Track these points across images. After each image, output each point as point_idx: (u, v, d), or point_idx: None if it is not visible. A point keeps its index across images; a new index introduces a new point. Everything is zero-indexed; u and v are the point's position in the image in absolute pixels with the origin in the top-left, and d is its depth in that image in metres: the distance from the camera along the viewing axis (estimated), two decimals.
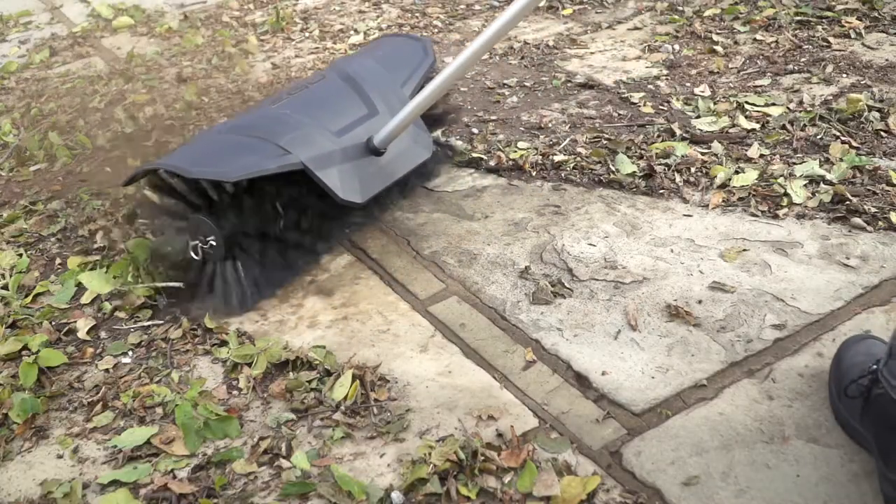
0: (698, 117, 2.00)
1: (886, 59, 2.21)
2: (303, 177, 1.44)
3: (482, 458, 1.08)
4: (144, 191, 1.53)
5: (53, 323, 1.47)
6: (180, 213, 1.47)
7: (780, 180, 1.66)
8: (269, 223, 1.49)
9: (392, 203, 1.73)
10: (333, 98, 1.60)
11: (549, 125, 2.04)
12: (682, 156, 1.80)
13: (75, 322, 1.46)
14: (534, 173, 1.81)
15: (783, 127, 1.90)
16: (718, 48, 2.40)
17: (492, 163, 1.87)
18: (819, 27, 2.48)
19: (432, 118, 1.78)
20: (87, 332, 1.43)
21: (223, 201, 1.45)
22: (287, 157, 1.41)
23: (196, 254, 1.45)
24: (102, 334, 1.44)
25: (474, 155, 1.91)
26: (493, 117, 2.12)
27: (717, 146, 1.83)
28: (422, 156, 1.62)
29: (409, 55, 1.71)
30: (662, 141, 1.89)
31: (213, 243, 1.42)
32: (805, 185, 1.65)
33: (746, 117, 1.96)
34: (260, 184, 1.46)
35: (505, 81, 2.34)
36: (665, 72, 2.29)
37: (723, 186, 1.69)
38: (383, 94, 1.60)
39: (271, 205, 1.49)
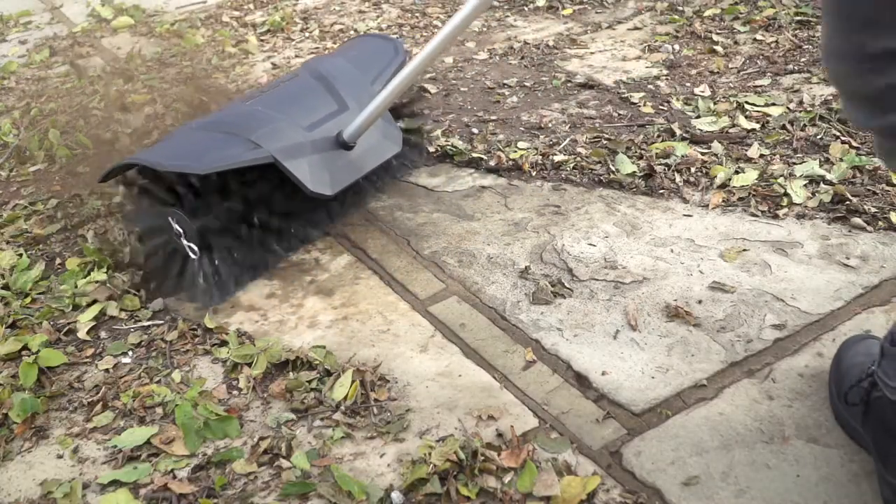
0: (698, 117, 2.00)
1: None
2: (275, 171, 1.48)
3: (482, 458, 1.08)
4: (120, 187, 1.58)
5: (53, 323, 1.47)
6: (155, 208, 1.51)
7: (780, 180, 1.66)
8: (242, 218, 1.53)
9: (372, 197, 1.78)
10: (304, 95, 1.65)
11: (549, 125, 2.04)
12: (682, 156, 1.80)
13: (75, 322, 1.46)
14: (534, 173, 1.81)
15: (783, 127, 1.90)
16: (718, 48, 2.40)
17: (492, 163, 1.87)
18: (819, 27, 2.48)
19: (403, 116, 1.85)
20: (87, 332, 1.43)
21: (195, 196, 1.48)
22: (258, 151, 1.46)
23: (175, 247, 1.50)
24: (102, 334, 1.44)
25: (474, 155, 1.91)
26: (493, 117, 2.12)
27: (717, 146, 1.83)
28: (391, 150, 1.67)
29: (380, 54, 1.75)
30: (662, 141, 1.89)
31: (187, 237, 1.46)
32: (805, 185, 1.65)
33: (746, 117, 1.96)
34: (234, 179, 1.50)
35: (505, 81, 2.34)
36: (665, 72, 2.29)
37: (723, 186, 1.69)
38: (353, 90, 1.65)
39: (243, 200, 1.53)
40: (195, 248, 1.48)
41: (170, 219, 1.47)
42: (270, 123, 1.52)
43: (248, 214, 1.54)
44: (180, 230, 1.47)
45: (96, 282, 1.55)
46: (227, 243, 1.51)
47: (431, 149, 1.95)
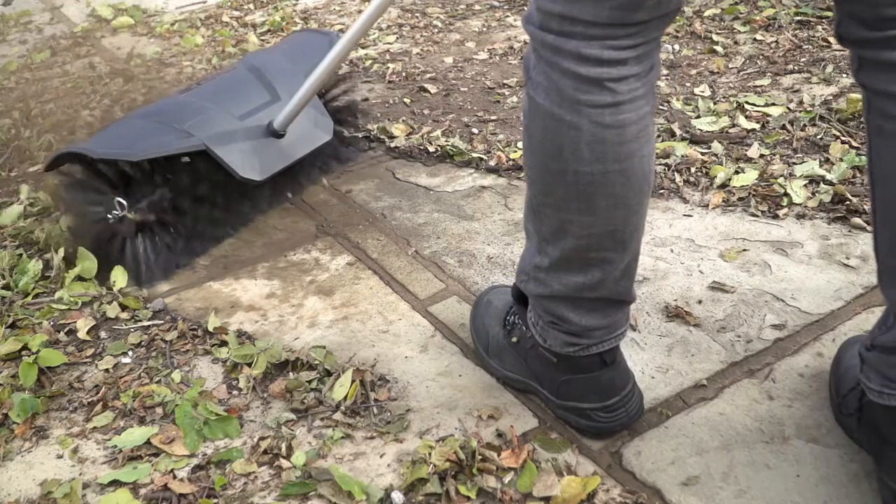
0: (698, 117, 2.00)
1: None
2: (209, 159, 1.56)
3: (482, 458, 1.08)
4: (60, 175, 1.63)
5: (53, 323, 1.47)
6: (94, 195, 1.58)
7: (780, 180, 1.66)
8: (173, 203, 1.60)
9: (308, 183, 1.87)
10: (238, 86, 1.73)
11: None
12: (682, 156, 1.80)
13: (75, 322, 1.46)
14: None
15: (783, 127, 1.90)
16: (718, 48, 2.40)
17: (492, 163, 1.87)
18: (819, 27, 2.48)
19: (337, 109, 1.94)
20: (87, 332, 1.43)
21: (131, 182, 1.56)
22: (190, 139, 1.54)
23: (114, 229, 1.57)
24: (102, 334, 1.44)
25: (474, 155, 1.91)
26: (493, 117, 2.12)
27: (717, 146, 1.83)
28: (322, 138, 1.75)
29: (315, 48, 1.80)
30: (662, 141, 1.89)
31: (123, 220, 1.54)
32: (805, 185, 1.65)
33: (746, 117, 1.96)
34: (168, 166, 1.58)
35: (505, 81, 2.34)
36: (665, 72, 2.29)
37: (723, 186, 1.69)
38: (286, 82, 1.71)
39: (174, 185, 1.60)
40: (134, 221, 1.55)
41: (114, 202, 1.54)
42: (203, 113, 1.60)
43: (183, 200, 1.61)
44: (119, 213, 1.55)
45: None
46: (164, 227, 1.59)
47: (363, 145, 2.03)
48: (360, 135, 2.06)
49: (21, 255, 1.66)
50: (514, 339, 1.17)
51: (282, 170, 1.66)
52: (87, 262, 1.56)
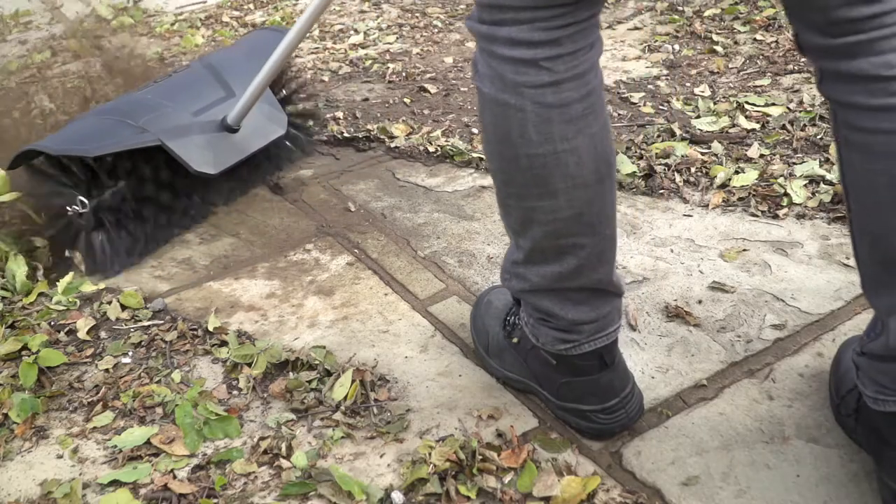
0: (698, 117, 2.00)
1: None
2: (163, 154, 1.62)
3: (482, 458, 1.08)
4: (24, 172, 1.68)
5: (53, 323, 1.47)
6: (55, 189, 1.62)
7: (780, 180, 1.66)
8: (132, 198, 1.65)
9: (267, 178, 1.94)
10: (193, 83, 1.79)
11: None
12: (682, 156, 1.80)
13: (75, 322, 1.46)
14: None
15: (783, 127, 1.90)
16: (718, 48, 2.40)
17: None
18: None
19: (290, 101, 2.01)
20: (87, 332, 1.43)
21: (89, 178, 1.60)
22: (145, 135, 1.59)
23: (76, 225, 1.61)
24: (102, 334, 1.44)
25: (474, 155, 1.91)
26: None
27: (717, 146, 1.83)
28: (276, 132, 1.80)
29: (270, 45, 1.84)
30: (662, 141, 1.89)
31: (83, 214, 1.59)
32: (805, 185, 1.65)
33: (746, 117, 1.96)
34: (124, 162, 1.62)
35: None
36: (665, 72, 2.29)
37: (723, 186, 1.69)
38: (241, 79, 1.73)
39: (132, 181, 1.65)
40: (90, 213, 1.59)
41: (76, 197, 1.58)
42: (158, 110, 1.65)
43: (141, 193, 1.66)
44: (80, 207, 1.59)
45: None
46: (121, 219, 1.63)
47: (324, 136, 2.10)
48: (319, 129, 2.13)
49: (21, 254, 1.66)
50: (515, 340, 1.17)
51: (238, 163, 1.72)
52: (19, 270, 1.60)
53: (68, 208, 1.58)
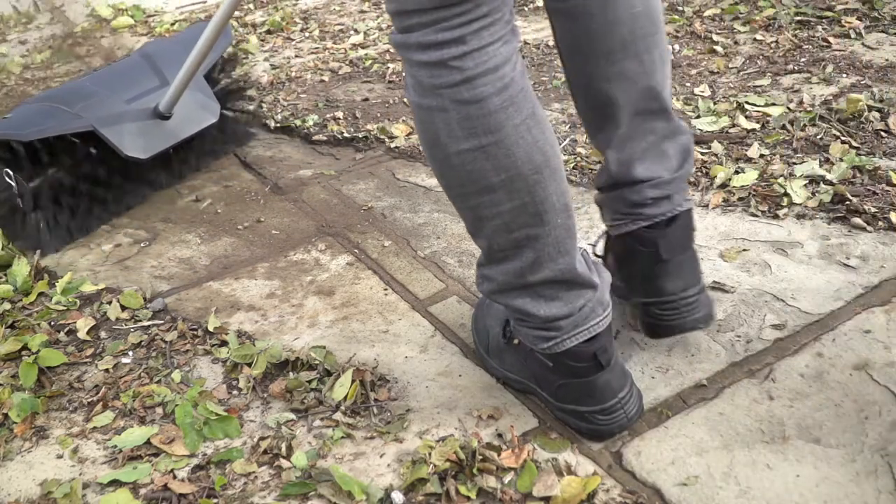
0: (698, 117, 2.00)
1: (886, 59, 2.21)
2: (97, 139, 1.71)
3: (482, 458, 1.08)
4: None
5: (53, 323, 1.47)
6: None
7: (780, 180, 1.66)
8: (68, 180, 1.73)
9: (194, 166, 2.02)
10: (129, 72, 1.89)
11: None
12: None
13: (75, 322, 1.46)
14: None
15: (783, 127, 1.90)
16: (718, 48, 2.40)
17: None
18: (819, 27, 2.48)
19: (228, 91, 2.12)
20: (87, 332, 1.43)
21: (27, 160, 1.69)
22: (79, 121, 1.69)
23: (16, 205, 1.71)
24: (102, 334, 1.44)
25: None
26: None
27: (717, 146, 1.83)
28: (207, 119, 1.89)
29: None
30: None
31: (20, 195, 1.69)
32: (805, 185, 1.65)
33: (746, 117, 1.96)
34: (60, 146, 1.72)
35: None
36: None
37: (723, 186, 1.69)
38: (176, 68, 1.79)
39: (68, 164, 1.74)
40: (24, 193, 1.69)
41: (6, 177, 1.69)
42: (93, 97, 1.75)
43: (77, 176, 1.75)
44: (14, 185, 1.69)
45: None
46: (58, 200, 1.71)
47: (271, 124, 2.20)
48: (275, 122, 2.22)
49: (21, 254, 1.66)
50: (515, 342, 1.17)
51: (169, 148, 1.81)
52: None
53: (8, 190, 1.69)
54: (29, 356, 1.35)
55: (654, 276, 1.18)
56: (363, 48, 2.77)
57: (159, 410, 1.24)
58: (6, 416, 1.24)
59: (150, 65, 1.89)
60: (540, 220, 1.01)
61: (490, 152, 0.97)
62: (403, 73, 1.02)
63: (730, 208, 1.62)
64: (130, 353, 1.38)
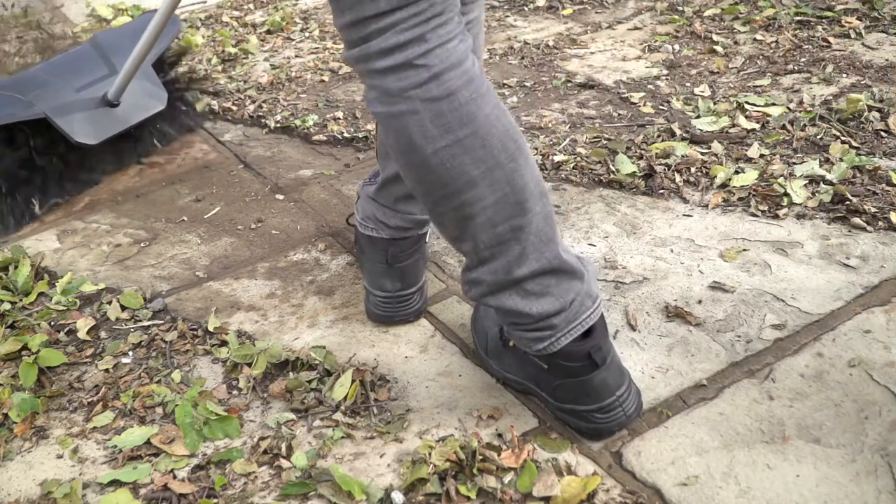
0: (698, 117, 2.00)
1: (886, 59, 2.21)
2: (48, 125, 1.77)
3: (482, 458, 1.08)
4: None
5: (53, 323, 1.47)
6: None
7: (780, 180, 1.66)
8: (23, 164, 1.80)
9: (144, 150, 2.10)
10: (80, 61, 1.96)
11: (549, 125, 2.04)
12: (682, 156, 1.80)
13: (75, 322, 1.46)
14: None
15: (783, 127, 1.90)
16: (718, 48, 2.40)
17: None
18: (819, 27, 2.48)
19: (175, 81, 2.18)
20: (87, 332, 1.43)
21: None
22: (31, 109, 1.75)
23: None
24: (102, 334, 1.44)
25: None
26: None
27: (717, 146, 1.83)
28: (155, 107, 1.95)
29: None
30: (662, 141, 1.89)
31: None
32: (805, 185, 1.65)
33: (746, 117, 1.96)
34: (16, 132, 1.78)
35: (505, 81, 2.34)
36: (665, 72, 2.29)
37: (723, 186, 1.69)
38: (125, 58, 1.84)
39: (23, 150, 1.80)
40: None
41: None
42: (45, 86, 1.82)
43: (29, 161, 1.81)
44: None
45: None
46: (13, 185, 1.79)
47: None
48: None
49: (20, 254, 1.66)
50: (512, 343, 1.17)
51: (119, 134, 1.88)
52: None
53: None
54: (29, 356, 1.35)
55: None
56: None
57: (159, 410, 1.24)
58: (6, 416, 1.24)
59: (99, 54, 1.96)
60: (522, 210, 1.01)
61: (467, 145, 0.97)
62: (365, 94, 1.02)
63: (730, 208, 1.62)
64: (130, 353, 1.38)
